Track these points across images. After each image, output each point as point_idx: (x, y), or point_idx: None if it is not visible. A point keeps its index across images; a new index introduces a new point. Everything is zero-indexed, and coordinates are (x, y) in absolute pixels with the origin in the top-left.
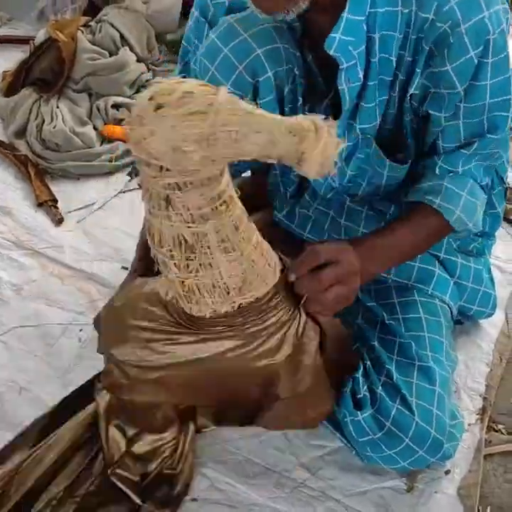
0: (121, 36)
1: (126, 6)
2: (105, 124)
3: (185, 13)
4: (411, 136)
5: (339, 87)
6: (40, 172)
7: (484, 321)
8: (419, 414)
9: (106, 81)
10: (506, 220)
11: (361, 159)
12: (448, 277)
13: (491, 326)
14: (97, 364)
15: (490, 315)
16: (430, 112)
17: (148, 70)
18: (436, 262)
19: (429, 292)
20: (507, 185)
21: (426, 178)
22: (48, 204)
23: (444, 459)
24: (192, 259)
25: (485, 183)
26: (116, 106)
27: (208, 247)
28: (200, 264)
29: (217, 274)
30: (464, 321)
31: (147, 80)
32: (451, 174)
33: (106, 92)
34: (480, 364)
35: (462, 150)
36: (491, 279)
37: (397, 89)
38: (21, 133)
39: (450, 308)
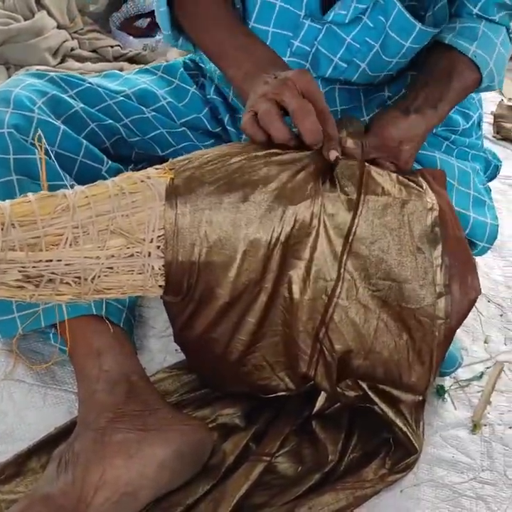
0: (37, 1)
1: None
2: None
3: None
4: None
5: None
6: None
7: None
8: None
9: (23, 48)
10: (510, 140)
11: (369, 29)
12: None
13: None
14: None
15: (493, 236)
16: None
17: (72, 38)
18: None
19: None
20: None
21: (457, 18)
22: None
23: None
24: None
25: (511, 30)
26: None
27: None
28: None
29: None
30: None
31: (72, 49)
32: (487, 22)
33: (25, 61)
34: None
35: None
36: (487, 191)
37: None
38: None
39: None
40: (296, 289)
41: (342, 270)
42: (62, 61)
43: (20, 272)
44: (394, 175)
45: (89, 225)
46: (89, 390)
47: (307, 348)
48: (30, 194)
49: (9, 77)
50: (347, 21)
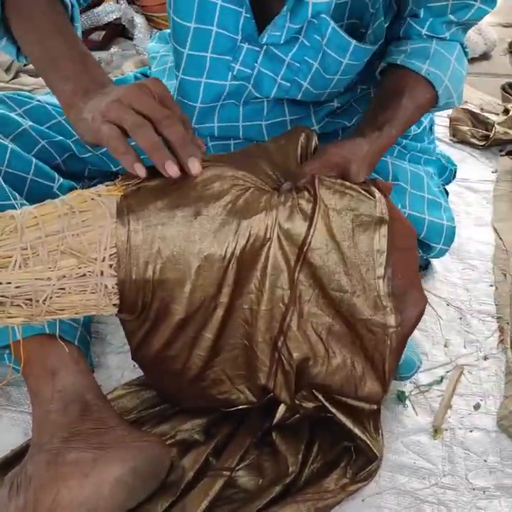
0: None
1: None
2: None
3: None
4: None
5: None
6: None
7: (474, 240)
8: None
9: None
10: (467, 142)
11: (306, 48)
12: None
13: (482, 244)
14: None
15: (450, 237)
16: None
17: None
18: None
19: None
20: None
21: (408, 40)
22: None
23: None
24: None
25: (465, 45)
26: None
27: None
28: None
29: None
30: (427, 252)
31: (25, 64)
32: (438, 40)
33: None
34: (482, 285)
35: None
36: (443, 194)
37: None
38: None
39: None
40: (254, 300)
41: (296, 279)
42: (16, 76)
43: None
44: (348, 183)
45: (38, 245)
46: (42, 411)
47: (266, 358)
48: None
49: None
50: (282, 42)
